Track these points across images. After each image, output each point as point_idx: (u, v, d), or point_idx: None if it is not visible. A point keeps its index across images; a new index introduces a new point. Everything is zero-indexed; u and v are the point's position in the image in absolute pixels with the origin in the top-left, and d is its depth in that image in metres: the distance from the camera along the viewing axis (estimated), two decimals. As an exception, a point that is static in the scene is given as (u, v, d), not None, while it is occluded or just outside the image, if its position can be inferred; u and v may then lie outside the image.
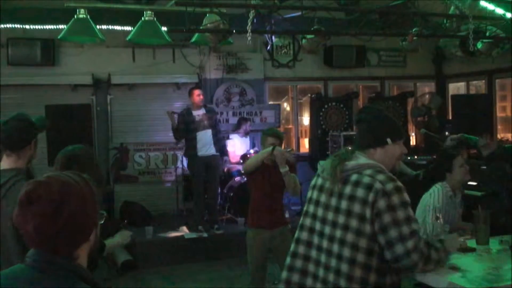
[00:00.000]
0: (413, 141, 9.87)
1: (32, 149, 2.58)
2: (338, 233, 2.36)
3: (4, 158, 2.52)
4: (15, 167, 2.49)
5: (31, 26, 7.36)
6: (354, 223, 2.32)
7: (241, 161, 7.94)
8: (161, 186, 8.50)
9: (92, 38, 6.12)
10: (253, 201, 4.50)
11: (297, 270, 2.50)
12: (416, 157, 7.68)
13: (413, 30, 6.66)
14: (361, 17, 6.18)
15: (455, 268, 2.62)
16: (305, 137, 10.06)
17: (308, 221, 2.53)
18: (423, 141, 9.13)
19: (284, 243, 4.28)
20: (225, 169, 8.14)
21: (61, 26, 6.16)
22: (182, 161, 8.03)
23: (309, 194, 2.59)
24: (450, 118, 9.31)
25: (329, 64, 9.32)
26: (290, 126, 9.90)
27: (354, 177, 2.38)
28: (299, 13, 6.29)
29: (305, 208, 2.59)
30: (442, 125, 8.72)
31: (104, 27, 6.88)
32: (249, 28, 5.17)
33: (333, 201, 2.42)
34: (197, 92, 7.16)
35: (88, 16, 5.71)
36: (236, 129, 8.36)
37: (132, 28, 6.16)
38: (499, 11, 6.63)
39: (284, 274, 2.56)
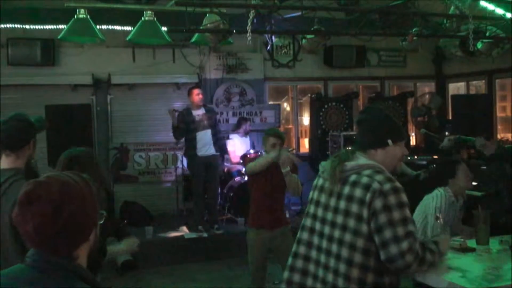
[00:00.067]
0: (413, 141, 9.87)
1: (31, 149, 2.59)
2: (337, 233, 2.37)
3: (3, 158, 2.52)
4: (14, 167, 2.49)
5: (31, 26, 7.36)
6: (351, 223, 2.33)
7: (241, 161, 7.94)
8: (161, 186, 8.50)
9: (92, 38, 6.12)
10: (253, 201, 4.49)
11: (298, 270, 2.52)
12: (416, 157, 7.68)
13: (413, 30, 6.66)
14: (361, 17, 6.18)
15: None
16: (305, 137, 10.06)
17: (308, 222, 2.55)
18: (423, 141, 9.13)
19: (284, 243, 4.28)
20: (225, 169, 8.14)
21: (61, 26, 6.16)
22: (182, 161, 8.03)
23: (310, 194, 2.60)
24: (450, 118, 9.31)
25: (329, 64, 9.32)
26: (290, 126, 9.90)
27: (353, 177, 2.39)
28: (299, 13, 6.29)
29: (306, 209, 2.60)
30: (442, 125, 8.72)
31: (104, 27, 6.88)
32: (249, 28, 5.16)
33: (332, 202, 2.43)
34: (196, 91, 7.15)
35: (88, 16, 5.70)
36: (236, 129, 8.35)
37: (132, 28, 6.16)
38: (499, 11, 6.63)
39: (285, 274, 2.58)
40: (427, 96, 9.15)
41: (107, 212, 1.68)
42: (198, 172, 7.11)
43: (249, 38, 5.18)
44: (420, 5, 6.59)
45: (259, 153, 7.88)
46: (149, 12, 5.88)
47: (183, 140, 7.35)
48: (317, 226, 2.48)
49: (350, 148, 2.60)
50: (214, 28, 5.65)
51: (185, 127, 7.02)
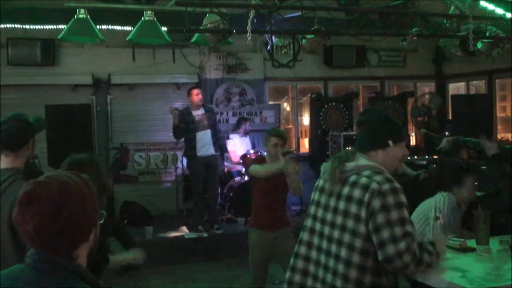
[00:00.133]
0: (413, 141, 9.87)
1: (30, 149, 2.60)
2: (336, 233, 2.38)
3: (2, 157, 2.53)
4: (13, 167, 2.50)
5: (31, 26, 7.36)
6: (350, 223, 2.34)
7: (241, 161, 7.94)
8: (161, 186, 8.50)
9: (92, 38, 6.11)
10: (255, 201, 4.49)
11: (299, 271, 2.54)
12: (416, 157, 7.68)
13: (413, 30, 6.66)
14: (361, 17, 6.18)
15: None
16: (305, 137, 10.07)
17: (309, 222, 2.57)
18: (423, 141, 9.13)
19: (286, 244, 4.27)
20: (225, 169, 8.14)
21: (61, 26, 6.16)
22: (182, 161, 8.03)
23: (312, 195, 2.61)
24: (450, 118, 9.31)
25: (329, 64, 9.32)
26: (290, 126, 9.89)
27: (352, 178, 2.40)
28: (299, 13, 6.28)
29: (308, 209, 2.62)
30: (442, 125, 8.72)
31: (104, 27, 6.88)
32: (249, 28, 5.16)
33: (332, 202, 2.44)
34: (195, 91, 7.15)
35: (88, 16, 5.70)
36: (236, 129, 8.35)
37: (132, 28, 6.15)
38: (499, 11, 6.63)
39: (287, 274, 2.60)
40: (427, 96, 9.15)
41: (107, 213, 1.68)
42: (198, 172, 7.11)
43: (249, 38, 5.18)
44: (420, 5, 6.59)
45: (259, 153, 7.90)
46: (149, 12, 5.88)
47: (182, 140, 7.35)
48: (317, 226, 2.50)
49: (350, 149, 2.61)
50: (214, 28, 5.65)
51: (185, 127, 7.02)
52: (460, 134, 7.97)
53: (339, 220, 2.38)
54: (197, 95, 7.11)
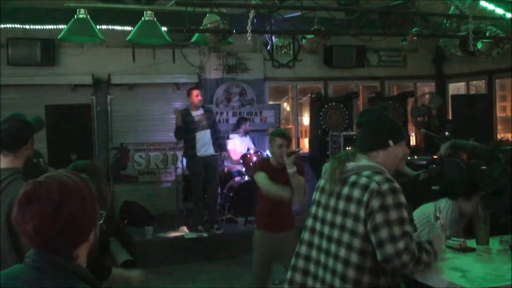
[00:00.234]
0: (413, 141, 9.87)
1: (29, 148, 2.61)
2: (336, 233, 2.39)
3: (2, 157, 2.53)
4: (12, 167, 2.51)
5: (31, 26, 7.36)
6: (349, 223, 2.34)
7: (241, 161, 7.95)
8: (161, 186, 8.50)
9: (92, 38, 6.12)
10: (259, 202, 4.47)
11: (300, 270, 2.55)
12: (416, 157, 7.68)
13: (413, 30, 6.66)
14: (361, 17, 6.17)
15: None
16: (305, 137, 10.07)
17: (310, 222, 2.58)
18: (423, 141, 9.13)
19: (290, 246, 4.24)
20: (225, 169, 8.14)
21: (61, 26, 6.16)
22: (182, 161, 8.03)
23: (313, 195, 2.62)
24: (450, 118, 9.31)
25: (329, 64, 9.32)
26: (290, 126, 9.89)
27: (352, 178, 2.41)
28: (299, 13, 6.28)
29: (310, 209, 2.63)
30: (442, 125, 8.73)
31: (104, 27, 6.88)
32: (249, 28, 5.16)
33: (332, 202, 2.45)
34: (195, 92, 7.16)
35: (88, 16, 5.70)
36: (235, 129, 8.36)
37: (132, 28, 6.16)
38: (499, 11, 6.63)
39: (288, 274, 2.61)
40: (427, 96, 9.15)
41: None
42: (198, 172, 7.11)
43: (249, 38, 5.18)
44: (420, 5, 6.59)
45: (259, 153, 7.91)
46: (149, 12, 5.88)
47: (182, 140, 7.36)
48: (318, 226, 2.51)
49: (350, 149, 2.61)
50: (214, 28, 5.65)
51: (184, 128, 7.03)
52: (460, 134, 7.98)
53: (338, 220, 2.39)
54: (196, 96, 7.12)
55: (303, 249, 2.56)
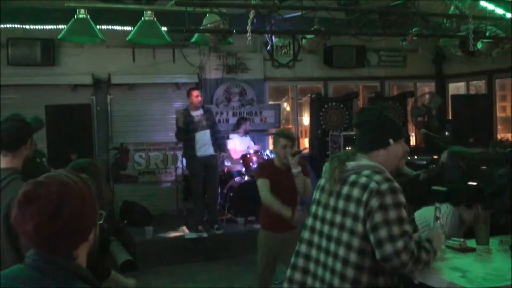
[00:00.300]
0: (413, 141, 9.87)
1: (27, 148, 2.61)
2: (335, 232, 2.40)
3: (1, 157, 2.54)
4: (11, 167, 2.51)
5: (31, 26, 7.36)
6: (348, 222, 2.35)
7: (241, 161, 7.94)
8: (161, 186, 8.50)
9: (92, 38, 6.12)
10: (263, 203, 4.47)
11: (299, 269, 2.56)
12: (416, 157, 7.68)
13: (413, 30, 6.65)
14: (361, 17, 6.17)
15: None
16: (305, 137, 10.07)
17: (310, 221, 2.59)
18: (423, 141, 9.13)
19: (292, 246, 4.24)
20: (225, 169, 8.14)
21: (61, 26, 6.16)
22: (182, 161, 8.03)
23: (313, 194, 2.64)
24: (450, 118, 9.31)
25: (329, 64, 9.32)
26: (290, 126, 9.90)
27: (352, 177, 2.41)
28: (299, 13, 6.28)
29: (310, 208, 2.63)
30: (442, 125, 8.73)
31: (104, 27, 6.88)
32: (249, 28, 5.16)
33: (332, 201, 2.46)
34: (195, 93, 7.16)
35: (88, 16, 5.70)
36: (235, 129, 8.36)
37: (132, 28, 6.16)
38: (499, 11, 6.63)
39: (288, 273, 2.62)
40: (427, 96, 9.15)
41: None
42: (197, 172, 7.11)
43: (249, 38, 5.18)
44: (420, 5, 6.59)
45: (259, 153, 7.90)
46: (149, 12, 5.88)
47: (182, 140, 7.37)
48: (318, 225, 2.52)
49: (350, 149, 2.61)
50: (214, 28, 5.65)
51: (184, 128, 7.03)
52: (460, 134, 7.99)
53: (338, 219, 2.40)
54: (196, 97, 7.12)
55: (303, 248, 2.56)
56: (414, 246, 2.29)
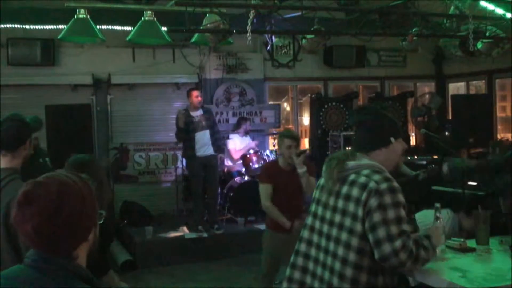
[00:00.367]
0: (413, 141, 9.87)
1: (27, 149, 2.61)
2: (334, 231, 2.40)
3: (0, 158, 2.54)
4: (10, 167, 2.51)
5: (31, 26, 7.36)
6: (348, 222, 2.35)
7: (241, 160, 7.94)
8: (161, 186, 8.50)
9: (92, 38, 6.12)
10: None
11: (299, 268, 2.56)
12: (416, 157, 7.67)
13: (413, 30, 6.65)
14: (361, 17, 6.17)
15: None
16: (305, 137, 10.07)
17: (310, 220, 2.59)
18: (423, 141, 9.13)
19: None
20: (225, 169, 8.14)
21: (61, 26, 6.16)
22: (182, 161, 8.03)
23: (313, 193, 2.64)
24: (450, 118, 9.31)
25: (329, 64, 9.32)
26: (290, 126, 9.90)
27: (352, 177, 2.41)
28: (299, 13, 6.28)
29: (310, 208, 2.64)
30: (442, 125, 8.72)
31: (104, 27, 6.88)
32: (249, 28, 5.16)
33: (331, 201, 2.46)
34: (195, 93, 7.16)
35: (88, 16, 5.70)
36: (235, 129, 8.36)
37: (132, 28, 6.16)
38: (499, 11, 6.63)
39: (287, 272, 2.62)
40: (427, 96, 9.14)
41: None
42: (197, 172, 7.11)
43: (249, 38, 5.18)
44: (420, 5, 6.58)
45: (259, 153, 7.90)
46: (149, 12, 5.88)
47: (182, 141, 7.37)
48: (317, 224, 2.52)
49: (349, 149, 2.61)
50: (214, 28, 5.65)
51: (184, 128, 7.03)
52: (460, 134, 7.98)
53: (337, 218, 2.40)
54: (196, 97, 7.12)
55: (302, 247, 2.57)
56: (413, 245, 2.29)
